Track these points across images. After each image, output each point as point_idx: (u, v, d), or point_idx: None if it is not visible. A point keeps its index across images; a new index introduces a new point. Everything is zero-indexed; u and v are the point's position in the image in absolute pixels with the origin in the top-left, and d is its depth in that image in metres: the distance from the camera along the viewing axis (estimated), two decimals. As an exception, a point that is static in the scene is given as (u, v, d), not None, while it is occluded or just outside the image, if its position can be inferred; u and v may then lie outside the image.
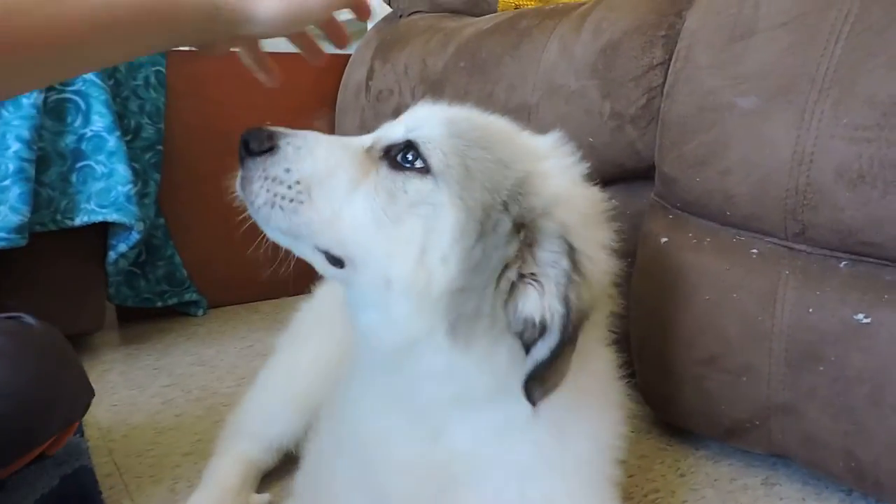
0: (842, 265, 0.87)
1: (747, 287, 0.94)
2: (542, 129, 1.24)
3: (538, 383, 0.57)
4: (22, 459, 0.88)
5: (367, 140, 0.65)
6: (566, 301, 0.57)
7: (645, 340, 1.10)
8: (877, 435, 0.85)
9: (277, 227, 0.62)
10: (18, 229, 1.30)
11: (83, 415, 0.97)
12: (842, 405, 0.87)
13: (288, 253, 0.66)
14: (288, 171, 0.61)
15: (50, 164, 1.39)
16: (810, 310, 0.88)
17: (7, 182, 1.30)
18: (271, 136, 0.62)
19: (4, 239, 1.29)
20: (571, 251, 0.58)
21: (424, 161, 0.60)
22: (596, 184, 0.67)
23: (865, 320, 0.84)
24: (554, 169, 0.64)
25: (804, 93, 0.86)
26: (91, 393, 0.97)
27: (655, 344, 1.08)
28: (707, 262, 0.99)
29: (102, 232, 1.52)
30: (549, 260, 0.58)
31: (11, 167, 1.30)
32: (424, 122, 0.63)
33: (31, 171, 1.33)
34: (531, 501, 0.65)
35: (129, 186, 1.43)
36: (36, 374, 0.86)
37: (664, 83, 1.07)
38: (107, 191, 1.43)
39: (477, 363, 0.60)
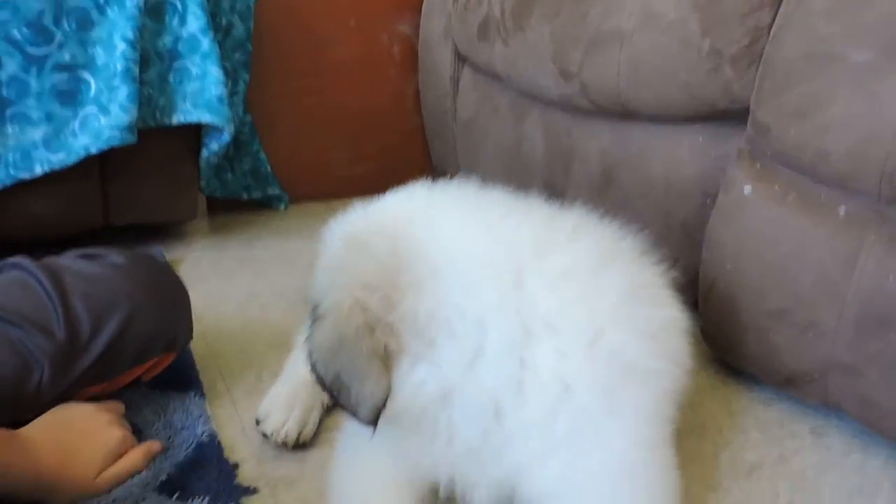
0: (933, 236, 0.85)
1: (829, 247, 0.93)
2: (634, 58, 1.21)
3: None
4: (127, 374, 0.96)
5: None
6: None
7: (714, 283, 1.11)
8: (936, 405, 0.87)
9: None
10: (129, 127, 1.38)
11: (179, 350, 1.04)
12: (906, 373, 0.88)
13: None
14: None
15: (150, 64, 1.45)
16: (890, 277, 0.87)
17: (116, 82, 1.36)
18: None
19: (118, 137, 1.37)
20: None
21: None
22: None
23: (947, 295, 0.83)
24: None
25: (926, 52, 0.80)
26: (191, 335, 1.05)
27: (724, 288, 1.09)
28: (790, 216, 0.98)
29: (196, 128, 1.59)
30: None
31: (119, 67, 1.36)
32: None
33: (137, 70, 1.38)
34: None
35: (222, 88, 1.48)
36: (148, 285, 0.95)
37: (772, 24, 1.01)
38: (201, 91, 1.48)
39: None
